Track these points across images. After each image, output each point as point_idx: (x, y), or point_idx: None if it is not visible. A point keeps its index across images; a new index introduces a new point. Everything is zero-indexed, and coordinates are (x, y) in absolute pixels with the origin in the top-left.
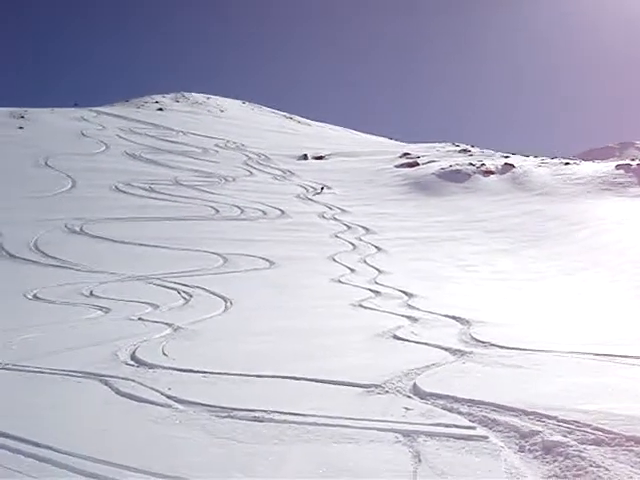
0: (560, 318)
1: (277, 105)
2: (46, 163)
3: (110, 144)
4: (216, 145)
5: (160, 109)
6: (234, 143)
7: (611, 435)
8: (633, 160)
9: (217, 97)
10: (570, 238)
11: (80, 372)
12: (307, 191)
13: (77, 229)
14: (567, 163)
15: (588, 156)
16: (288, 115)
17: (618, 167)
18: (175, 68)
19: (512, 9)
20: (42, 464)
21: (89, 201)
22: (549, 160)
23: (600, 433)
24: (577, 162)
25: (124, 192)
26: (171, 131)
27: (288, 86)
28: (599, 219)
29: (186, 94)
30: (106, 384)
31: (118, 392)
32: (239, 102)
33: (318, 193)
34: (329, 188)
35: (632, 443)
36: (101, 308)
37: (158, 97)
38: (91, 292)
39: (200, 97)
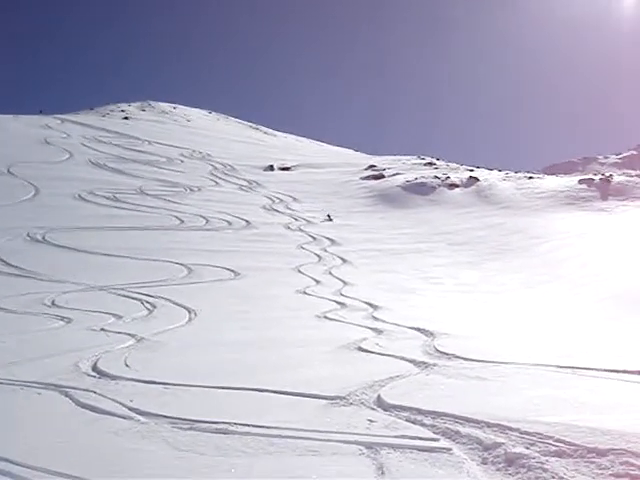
0: (523, 330)
1: (243, 115)
2: (8, 170)
3: (74, 152)
4: (182, 155)
5: (126, 118)
6: (200, 153)
7: (573, 447)
8: (596, 175)
9: (183, 107)
10: (533, 251)
11: (41, 383)
12: (273, 202)
13: (39, 238)
14: (531, 177)
15: (551, 170)
16: (254, 125)
17: (581, 182)
18: (141, 77)
19: (475, 23)
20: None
21: (52, 210)
22: (513, 174)
23: (562, 445)
24: (540, 176)
25: (88, 201)
26: (136, 140)
27: (254, 96)
28: (561, 233)
29: (152, 103)
30: (67, 395)
31: (79, 404)
32: (205, 112)
33: (328, 220)
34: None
35: (594, 455)
36: (63, 318)
37: (124, 105)
38: (53, 302)
39: (166, 106)
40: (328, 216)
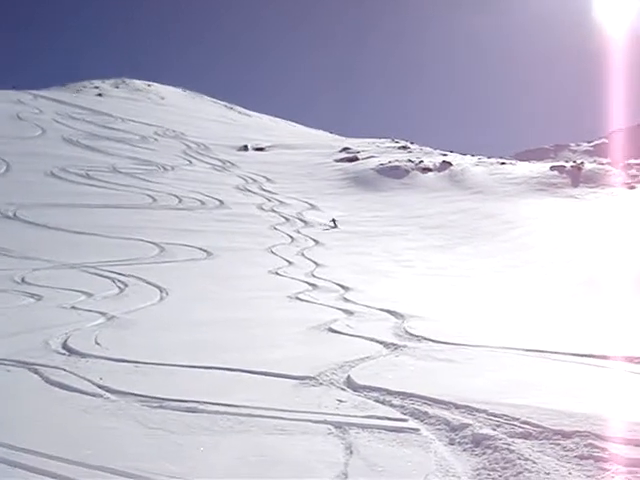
0: (492, 314)
1: (218, 94)
2: None
3: (47, 128)
4: (155, 133)
5: (99, 95)
6: (174, 131)
7: (539, 429)
8: (567, 162)
9: (158, 84)
10: (504, 236)
11: (10, 360)
12: (247, 182)
13: (10, 214)
14: (503, 163)
15: (524, 156)
16: (229, 105)
17: (553, 168)
18: (116, 53)
19: (451, 10)
20: None
21: (23, 186)
22: (486, 159)
23: (528, 427)
24: (513, 162)
25: (60, 178)
26: (110, 117)
27: (229, 75)
28: (532, 218)
29: (127, 80)
30: (36, 373)
31: (48, 381)
32: (180, 90)
33: (332, 227)
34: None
35: (559, 437)
36: (33, 295)
37: (98, 82)
38: (23, 279)
39: (141, 84)
40: (333, 221)
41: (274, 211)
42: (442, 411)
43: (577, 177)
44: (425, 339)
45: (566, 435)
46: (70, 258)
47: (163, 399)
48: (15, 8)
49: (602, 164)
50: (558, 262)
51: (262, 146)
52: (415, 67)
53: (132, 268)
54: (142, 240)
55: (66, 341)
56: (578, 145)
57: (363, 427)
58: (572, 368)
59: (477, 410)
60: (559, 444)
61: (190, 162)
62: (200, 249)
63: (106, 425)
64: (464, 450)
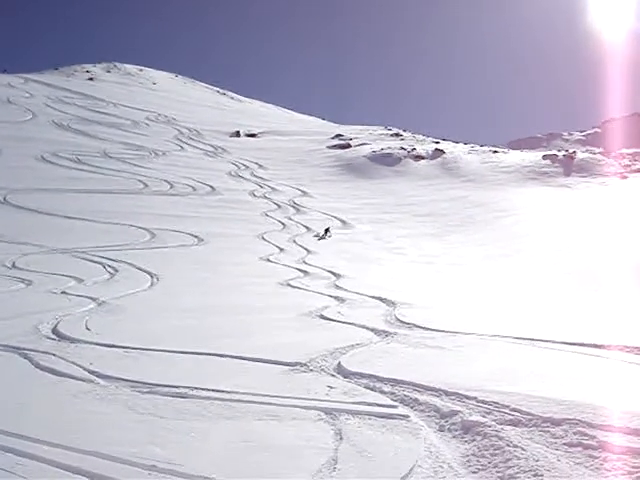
0: (483, 302)
1: (210, 79)
2: None
3: (38, 113)
4: (147, 118)
5: (90, 79)
6: (165, 117)
7: (528, 416)
8: (559, 151)
9: (150, 69)
10: (495, 225)
11: (0, 345)
12: (239, 168)
13: (0, 199)
14: (495, 151)
15: (516, 145)
16: (221, 91)
17: (545, 157)
18: (107, 37)
19: (448, 1)
20: None
21: (14, 170)
22: (478, 147)
23: (518, 414)
24: (505, 151)
25: (50, 162)
26: (101, 102)
27: (221, 61)
28: (524, 207)
29: (118, 65)
30: (26, 357)
31: (38, 366)
32: (172, 75)
33: (323, 237)
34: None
35: (548, 424)
36: (23, 280)
37: (89, 66)
38: (13, 264)
39: (132, 68)
40: (326, 231)
41: (266, 197)
42: (432, 398)
43: (569, 166)
44: (416, 326)
45: (555, 422)
46: (61, 243)
47: (153, 384)
48: None
49: (595, 153)
50: (549, 251)
51: (254, 132)
52: (410, 55)
53: (123, 254)
54: (133, 225)
55: (56, 326)
56: (571, 134)
57: (353, 413)
58: (562, 356)
59: (467, 397)
60: (548, 431)
61: (182, 148)
62: (191, 235)
63: (96, 410)
64: (454, 437)
